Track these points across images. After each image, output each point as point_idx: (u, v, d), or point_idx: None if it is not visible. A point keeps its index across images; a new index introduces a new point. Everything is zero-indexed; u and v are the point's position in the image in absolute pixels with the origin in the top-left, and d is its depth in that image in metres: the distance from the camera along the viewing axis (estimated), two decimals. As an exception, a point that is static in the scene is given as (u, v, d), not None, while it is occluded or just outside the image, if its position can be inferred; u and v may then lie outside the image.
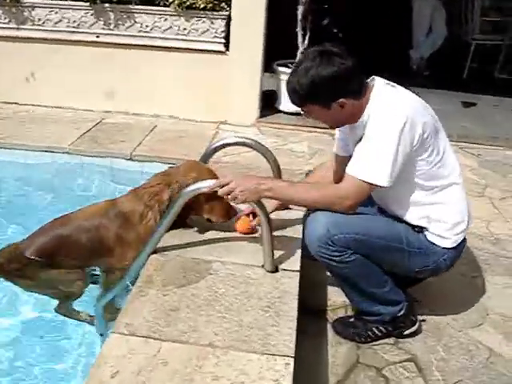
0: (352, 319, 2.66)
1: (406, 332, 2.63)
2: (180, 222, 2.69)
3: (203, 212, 2.74)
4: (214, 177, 2.70)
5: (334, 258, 2.36)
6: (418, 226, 2.45)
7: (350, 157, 2.35)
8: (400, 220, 2.47)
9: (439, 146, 2.35)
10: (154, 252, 2.59)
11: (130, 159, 4.26)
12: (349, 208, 2.29)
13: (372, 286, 2.49)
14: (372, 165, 2.22)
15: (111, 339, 2.08)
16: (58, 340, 2.71)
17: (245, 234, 2.77)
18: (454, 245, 2.45)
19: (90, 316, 2.80)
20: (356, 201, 2.28)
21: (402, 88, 2.39)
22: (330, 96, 2.28)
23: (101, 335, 2.67)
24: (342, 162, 2.55)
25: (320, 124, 2.56)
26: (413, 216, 2.44)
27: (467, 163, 4.79)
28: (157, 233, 2.53)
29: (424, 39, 7.82)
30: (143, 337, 2.08)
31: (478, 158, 4.99)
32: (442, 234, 2.43)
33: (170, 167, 2.88)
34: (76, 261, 2.82)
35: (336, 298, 2.77)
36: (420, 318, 2.69)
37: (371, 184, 2.23)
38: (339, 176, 2.49)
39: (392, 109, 2.24)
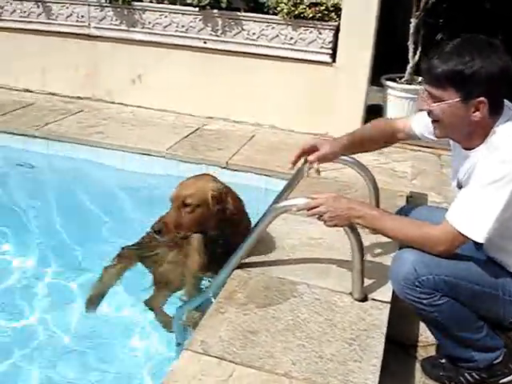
0: (443, 360, 2.43)
1: (503, 380, 2.36)
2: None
3: None
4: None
5: (422, 301, 2.14)
6: None
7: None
8: (500, 265, 2.22)
9: None
10: (239, 267, 2.50)
11: (226, 168, 4.21)
12: (440, 253, 2.09)
13: (465, 332, 2.24)
14: (474, 218, 1.99)
15: (184, 357, 2.00)
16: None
17: None
18: None
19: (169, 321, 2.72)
20: (449, 248, 2.07)
21: None
22: (479, 88, 1.95)
23: (178, 345, 2.58)
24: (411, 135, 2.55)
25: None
26: None
27: None
28: (242, 248, 2.44)
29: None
30: (217, 357, 1.99)
31: None
32: None
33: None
34: None
35: (428, 334, 2.54)
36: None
37: (467, 237, 2.01)
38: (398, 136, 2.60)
39: None
